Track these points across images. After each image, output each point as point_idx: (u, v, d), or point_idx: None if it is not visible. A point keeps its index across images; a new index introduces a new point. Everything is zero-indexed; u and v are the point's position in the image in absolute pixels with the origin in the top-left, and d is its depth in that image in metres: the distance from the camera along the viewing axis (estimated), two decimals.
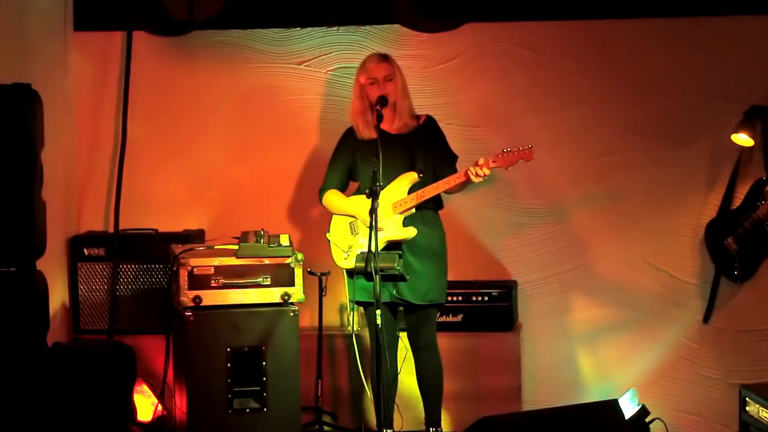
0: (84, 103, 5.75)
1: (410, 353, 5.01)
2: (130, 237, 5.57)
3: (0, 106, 4.31)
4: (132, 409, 5.31)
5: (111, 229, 5.63)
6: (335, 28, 5.69)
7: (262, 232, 4.85)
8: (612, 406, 4.74)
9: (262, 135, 5.73)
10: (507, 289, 5.45)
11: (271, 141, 5.73)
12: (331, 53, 5.69)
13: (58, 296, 5.43)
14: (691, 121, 5.50)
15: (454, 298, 5.38)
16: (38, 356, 4.46)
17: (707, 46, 5.46)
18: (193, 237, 5.47)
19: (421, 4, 5.54)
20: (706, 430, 5.51)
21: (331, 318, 5.59)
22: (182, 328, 4.70)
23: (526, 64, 5.57)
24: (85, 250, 5.55)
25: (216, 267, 4.73)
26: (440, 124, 5.02)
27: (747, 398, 4.53)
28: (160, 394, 5.18)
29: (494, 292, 5.44)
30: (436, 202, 4.93)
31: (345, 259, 4.93)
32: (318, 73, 5.70)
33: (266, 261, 4.76)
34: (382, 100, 4.82)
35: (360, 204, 4.89)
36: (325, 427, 5.29)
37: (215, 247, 4.95)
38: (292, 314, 4.74)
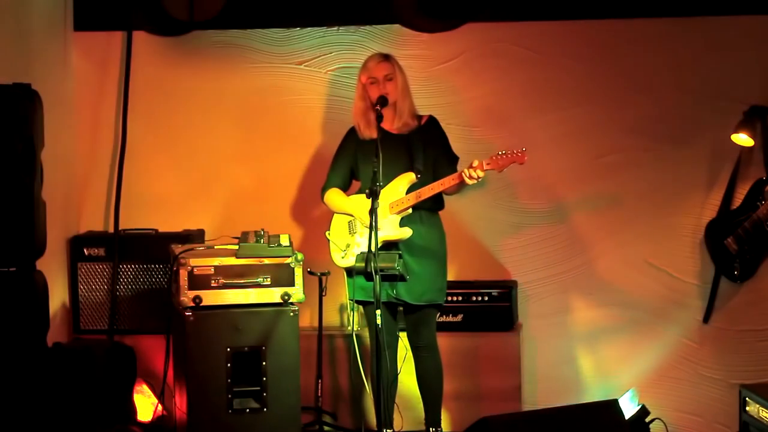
0: (84, 103, 5.75)
1: (410, 353, 5.01)
2: (130, 237, 5.57)
3: (0, 106, 4.30)
4: (132, 409, 5.32)
5: (111, 229, 5.63)
6: (335, 28, 5.69)
7: (262, 232, 4.85)
8: (612, 406, 4.74)
9: (262, 135, 5.73)
10: (507, 289, 5.45)
11: (270, 141, 5.73)
12: (331, 53, 5.69)
13: (58, 296, 5.42)
14: (691, 121, 5.50)
15: (454, 298, 5.38)
16: (38, 356, 4.44)
17: (707, 46, 5.46)
18: (193, 237, 5.47)
19: (422, 4, 5.54)
20: (706, 430, 5.50)
21: (331, 318, 5.59)
22: (182, 328, 4.70)
23: (526, 64, 5.57)
24: (85, 250, 5.55)
25: (216, 267, 4.72)
26: (440, 124, 5.01)
27: (747, 398, 4.53)
28: (160, 394, 5.17)
29: (494, 292, 5.44)
30: (436, 203, 4.92)
31: (342, 258, 4.92)
32: (318, 73, 5.70)
33: (266, 261, 4.75)
34: (382, 100, 4.81)
35: (359, 203, 4.88)
36: (325, 427, 5.29)
37: (215, 247, 4.95)
38: (292, 314, 4.73)
